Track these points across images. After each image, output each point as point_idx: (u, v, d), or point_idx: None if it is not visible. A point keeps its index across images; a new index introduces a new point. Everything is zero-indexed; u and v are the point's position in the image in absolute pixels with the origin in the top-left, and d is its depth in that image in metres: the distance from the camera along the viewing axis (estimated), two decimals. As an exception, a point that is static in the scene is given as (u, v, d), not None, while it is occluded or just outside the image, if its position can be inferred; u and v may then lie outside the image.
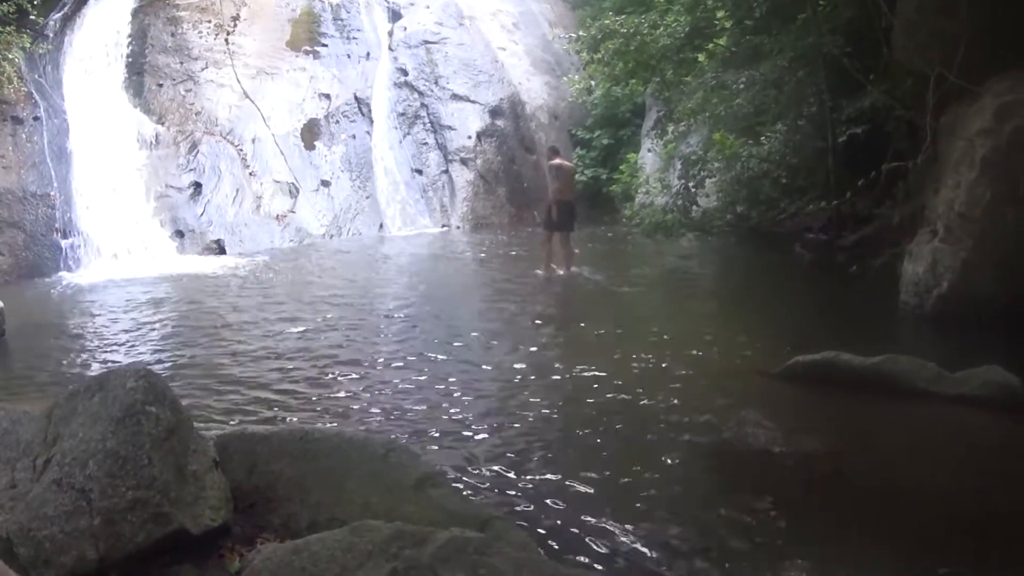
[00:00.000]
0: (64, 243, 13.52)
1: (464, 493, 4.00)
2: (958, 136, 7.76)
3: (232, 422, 5.57)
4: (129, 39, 16.02)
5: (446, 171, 20.91)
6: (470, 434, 5.43)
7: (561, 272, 12.25)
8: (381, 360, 7.44)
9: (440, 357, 7.49)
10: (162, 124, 15.89)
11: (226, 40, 17.26)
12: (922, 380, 5.79)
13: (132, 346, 8.37)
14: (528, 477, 4.65)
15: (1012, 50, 7.31)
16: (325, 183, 18.48)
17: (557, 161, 12.56)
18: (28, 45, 13.84)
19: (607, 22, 15.25)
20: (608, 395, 6.09)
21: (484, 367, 7.16)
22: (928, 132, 8.42)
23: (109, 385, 3.17)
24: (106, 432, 3.01)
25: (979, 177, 7.31)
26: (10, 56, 13.32)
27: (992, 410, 5.39)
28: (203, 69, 16.85)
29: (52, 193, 13.50)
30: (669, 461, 4.83)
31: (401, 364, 7.28)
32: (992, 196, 7.20)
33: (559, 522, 4.07)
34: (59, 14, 15.07)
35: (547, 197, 12.91)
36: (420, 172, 20.71)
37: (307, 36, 19.07)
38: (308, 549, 2.67)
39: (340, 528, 2.81)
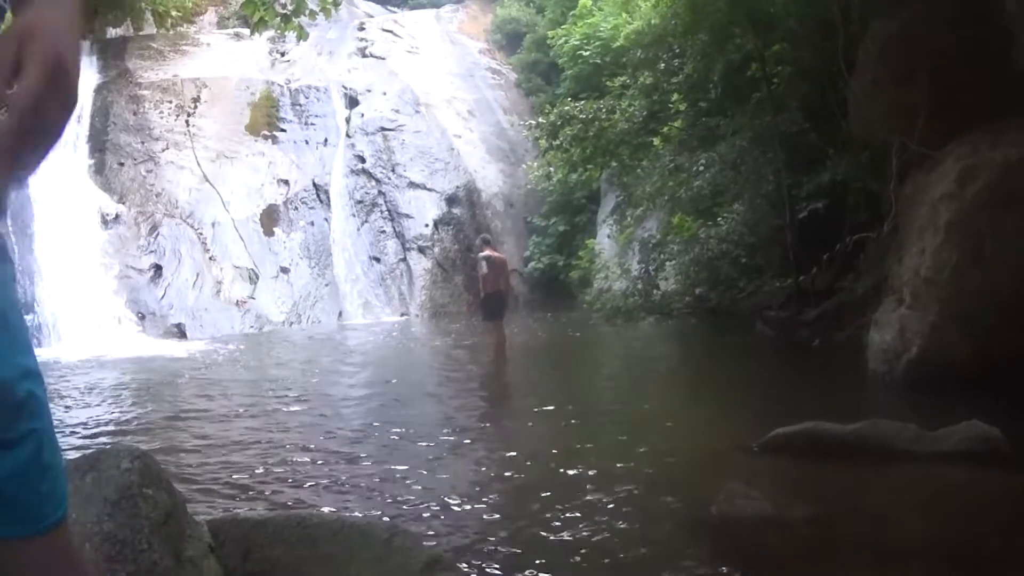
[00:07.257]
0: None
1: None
2: (920, 203, 7.89)
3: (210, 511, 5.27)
4: (92, 116, 15.99)
5: (404, 259, 20.94)
6: (463, 518, 5.17)
7: (494, 360, 11.92)
8: (351, 449, 7.09)
9: (420, 445, 7.17)
10: (123, 204, 15.75)
11: (187, 121, 17.37)
12: (903, 441, 5.71)
13: (96, 429, 7.99)
14: (518, 557, 4.44)
15: (973, 114, 7.50)
16: (284, 270, 18.39)
17: (486, 252, 12.09)
18: None
19: (566, 108, 15.51)
20: (589, 484, 5.82)
21: (460, 452, 6.88)
22: (892, 201, 8.56)
23: (101, 465, 3.03)
24: (102, 514, 2.87)
25: (944, 242, 7.39)
26: None
27: (975, 464, 5.31)
28: (164, 150, 16.86)
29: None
30: (661, 537, 4.66)
31: (372, 454, 6.94)
32: (958, 259, 7.27)
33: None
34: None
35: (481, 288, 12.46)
36: (378, 260, 20.71)
37: (266, 121, 19.23)
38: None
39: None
